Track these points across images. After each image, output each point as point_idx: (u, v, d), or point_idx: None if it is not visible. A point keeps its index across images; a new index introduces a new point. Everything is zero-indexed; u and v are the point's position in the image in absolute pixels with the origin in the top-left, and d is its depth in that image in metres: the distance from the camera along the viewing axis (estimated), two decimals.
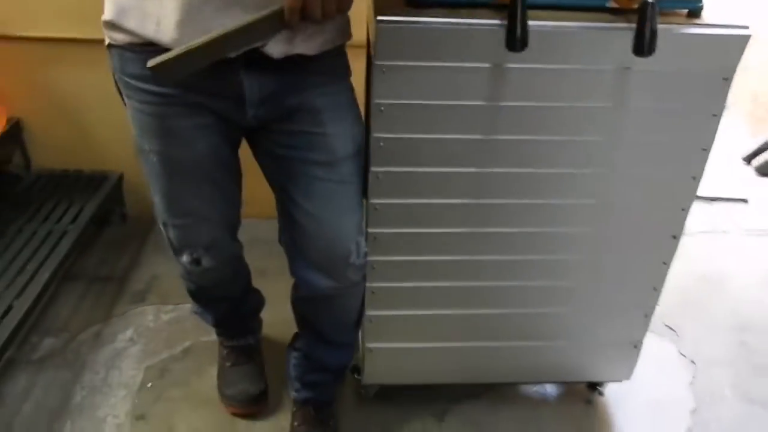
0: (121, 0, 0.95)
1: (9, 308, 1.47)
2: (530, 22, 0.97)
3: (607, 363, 1.46)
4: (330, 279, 1.17)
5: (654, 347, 1.66)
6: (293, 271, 1.21)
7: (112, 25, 0.99)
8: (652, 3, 0.96)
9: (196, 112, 1.03)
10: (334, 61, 1.06)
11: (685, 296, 1.91)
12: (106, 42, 1.03)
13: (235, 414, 1.47)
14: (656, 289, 1.33)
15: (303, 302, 1.31)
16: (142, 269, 1.89)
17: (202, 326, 1.56)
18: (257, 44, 0.93)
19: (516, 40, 0.96)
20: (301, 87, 1.03)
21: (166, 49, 0.88)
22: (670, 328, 1.80)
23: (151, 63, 0.85)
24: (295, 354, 1.42)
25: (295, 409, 1.42)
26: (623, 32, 1.02)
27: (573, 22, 1.03)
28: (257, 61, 0.96)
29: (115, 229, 2.04)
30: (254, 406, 1.47)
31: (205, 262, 1.21)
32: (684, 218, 1.24)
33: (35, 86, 1.87)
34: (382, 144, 1.12)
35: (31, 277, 1.57)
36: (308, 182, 1.09)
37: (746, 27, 1.07)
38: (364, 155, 1.14)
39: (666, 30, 1.04)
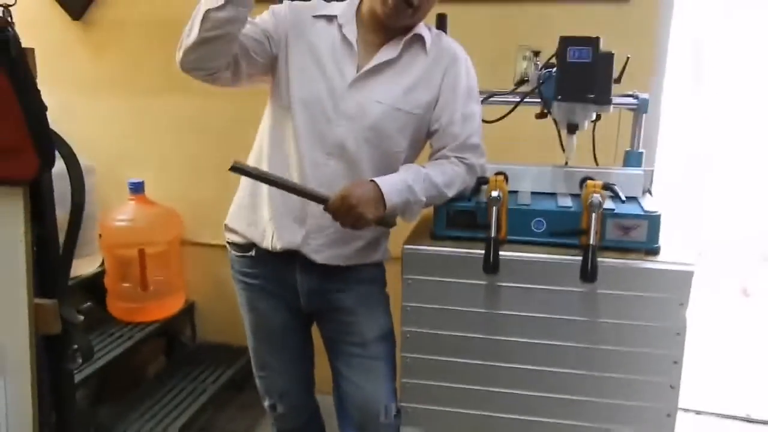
0: (233, 209, 1.54)
1: None
2: (503, 253, 1.37)
3: None
4: None
5: None
6: (340, 428, 1.59)
7: (226, 227, 1.55)
8: (593, 245, 1.32)
9: (271, 297, 1.54)
10: (369, 271, 1.52)
11: None
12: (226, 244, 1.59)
13: None
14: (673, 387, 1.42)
15: None
16: (261, 428, 2.34)
17: None
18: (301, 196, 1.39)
19: (489, 266, 1.35)
20: (339, 288, 1.50)
21: (262, 251, 1.45)
22: None
23: (235, 164, 1.33)
24: None
25: None
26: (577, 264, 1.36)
27: (542, 255, 1.40)
28: (307, 264, 1.45)
29: (248, 394, 2.55)
30: None
31: (279, 408, 1.63)
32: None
33: (210, 278, 2.55)
34: (408, 336, 1.51)
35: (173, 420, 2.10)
36: (347, 358, 1.52)
37: (692, 264, 1.36)
38: (392, 339, 1.54)
39: (624, 264, 1.37)
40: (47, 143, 1.36)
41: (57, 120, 2.50)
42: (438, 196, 1.44)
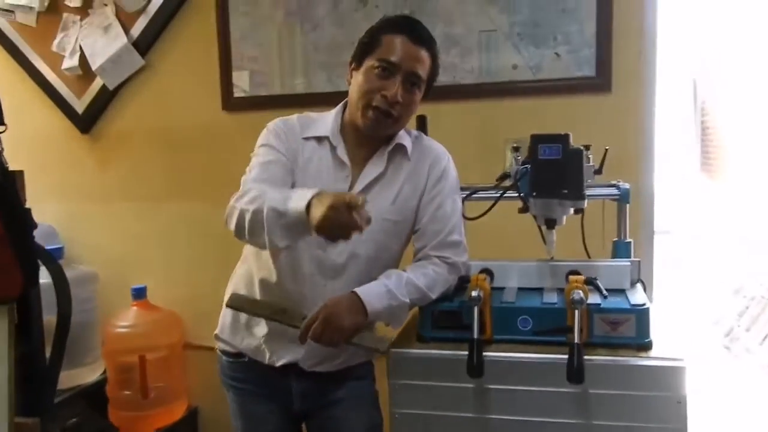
0: (226, 323, 1.56)
1: None
2: (489, 354, 1.34)
3: None
4: None
5: None
6: None
7: (217, 337, 1.57)
8: (577, 344, 1.27)
9: (264, 401, 1.53)
10: (359, 371, 1.52)
11: None
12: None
13: None
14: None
15: None
16: None
17: None
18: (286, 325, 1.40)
19: (473, 369, 1.31)
20: (330, 389, 1.49)
21: (250, 359, 1.49)
22: None
23: (230, 302, 1.44)
24: None
25: None
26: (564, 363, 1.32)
27: (528, 354, 1.36)
28: (299, 370, 1.46)
29: None
30: None
31: None
32: None
33: (213, 382, 2.50)
34: None
35: None
36: None
37: (682, 359, 1.30)
38: None
39: (613, 361, 1.32)
40: (32, 262, 1.39)
41: (63, 229, 2.60)
42: (421, 299, 1.43)
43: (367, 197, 1.42)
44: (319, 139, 1.47)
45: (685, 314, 5.20)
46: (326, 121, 1.49)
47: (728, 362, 4.18)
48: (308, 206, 1.20)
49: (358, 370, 1.55)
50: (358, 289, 1.37)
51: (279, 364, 1.48)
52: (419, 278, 1.42)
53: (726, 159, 6.59)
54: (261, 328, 1.49)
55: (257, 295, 1.50)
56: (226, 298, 1.58)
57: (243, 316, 1.53)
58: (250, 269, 1.53)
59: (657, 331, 1.42)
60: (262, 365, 1.50)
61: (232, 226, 1.34)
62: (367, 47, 1.43)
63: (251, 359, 1.52)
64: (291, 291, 1.45)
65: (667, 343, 1.39)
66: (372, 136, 1.46)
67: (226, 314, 1.58)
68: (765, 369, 3.91)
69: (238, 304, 1.49)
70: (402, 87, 1.39)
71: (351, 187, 1.45)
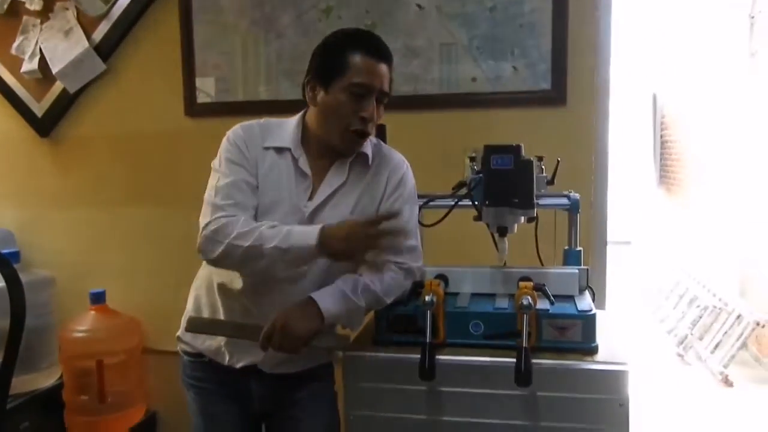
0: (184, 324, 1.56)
1: None
2: (441, 357, 1.37)
3: None
4: None
5: None
6: None
7: (179, 339, 1.58)
8: (525, 348, 1.32)
9: (224, 401, 1.55)
10: (319, 372, 1.56)
11: None
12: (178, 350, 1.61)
13: None
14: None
15: None
16: None
17: None
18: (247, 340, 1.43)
19: (425, 372, 1.34)
20: (289, 390, 1.52)
21: (211, 360, 1.52)
22: None
23: (189, 326, 1.49)
24: None
25: None
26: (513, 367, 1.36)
27: (478, 357, 1.40)
28: (259, 372, 1.49)
29: None
30: None
31: None
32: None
33: (172, 386, 2.48)
34: None
35: None
36: None
37: (625, 363, 1.36)
38: None
39: (560, 365, 1.37)
40: None
41: (21, 234, 2.57)
42: (376, 303, 1.46)
43: (326, 207, 1.47)
44: (280, 150, 1.49)
45: (640, 322, 5.34)
46: (287, 130, 1.50)
47: (681, 369, 4.30)
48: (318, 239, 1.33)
49: (318, 371, 1.57)
50: (313, 294, 1.39)
51: (239, 365, 1.50)
52: (375, 283, 1.44)
53: (685, 172, 6.78)
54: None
55: (217, 299, 1.52)
56: (189, 301, 1.60)
57: (206, 316, 1.54)
58: (209, 274, 1.54)
59: (606, 337, 1.48)
60: (222, 366, 1.52)
61: (212, 256, 1.39)
62: (334, 69, 1.42)
63: (212, 360, 1.54)
64: (250, 295, 1.47)
65: (613, 348, 1.44)
66: (344, 154, 1.50)
67: (187, 316, 1.59)
68: (715, 377, 4.03)
69: (196, 327, 1.53)
70: (376, 106, 1.44)
71: (311, 197, 1.47)
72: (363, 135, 1.45)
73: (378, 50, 1.44)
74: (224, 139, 1.50)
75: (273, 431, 1.61)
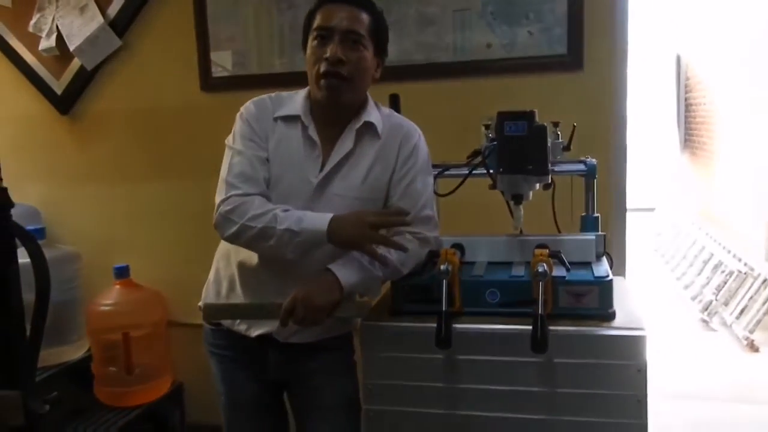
0: (206, 295, 1.61)
1: None
2: (457, 326, 1.38)
3: None
4: None
5: None
6: None
7: (199, 308, 1.59)
8: (541, 315, 1.32)
9: (243, 368, 1.59)
10: (335, 342, 1.56)
11: None
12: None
13: None
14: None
15: None
16: None
17: None
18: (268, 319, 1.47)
19: (441, 341, 1.35)
20: (305, 360, 1.54)
21: (229, 330, 1.53)
22: None
23: (206, 315, 1.52)
24: None
25: None
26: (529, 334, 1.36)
27: (494, 326, 1.40)
28: (275, 341, 1.51)
29: None
30: None
31: None
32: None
33: (197, 358, 2.54)
34: (371, 414, 1.50)
35: None
36: (309, 424, 1.57)
37: (642, 329, 1.35)
38: (357, 407, 1.54)
39: (576, 331, 1.37)
40: (8, 240, 1.41)
41: (46, 210, 2.62)
42: (393, 273, 1.47)
43: (335, 177, 1.47)
44: (290, 119, 1.49)
45: (664, 289, 5.29)
46: (296, 100, 1.51)
47: (706, 335, 4.27)
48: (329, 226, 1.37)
49: (335, 341, 1.58)
50: (331, 266, 1.40)
51: (255, 335, 1.52)
52: (391, 253, 1.45)
53: (710, 135, 6.64)
54: (241, 302, 1.53)
55: (235, 272, 1.54)
56: (211, 272, 1.63)
57: (223, 291, 1.57)
58: (228, 248, 1.56)
59: (624, 304, 1.47)
60: (240, 335, 1.55)
61: (227, 234, 1.43)
62: (306, 27, 1.47)
63: (229, 328, 1.57)
64: (267, 269, 1.49)
65: (631, 314, 1.44)
66: (335, 108, 1.48)
67: (208, 287, 1.62)
68: (741, 342, 4.00)
69: (214, 314, 1.57)
70: (342, 46, 1.42)
71: (322, 167, 1.48)
72: (336, 76, 1.42)
73: None
74: (237, 116, 1.52)
75: (292, 400, 1.64)
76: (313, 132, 1.48)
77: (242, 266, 1.52)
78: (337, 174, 1.48)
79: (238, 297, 1.54)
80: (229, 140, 1.51)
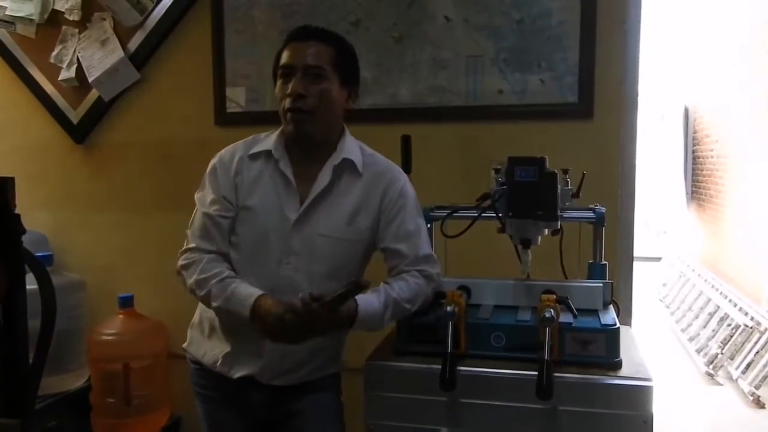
0: (193, 336, 1.61)
1: None
2: (462, 368, 1.37)
3: None
4: None
5: None
6: None
7: (184, 349, 1.61)
8: (547, 360, 1.31)
9: (228, 408, 1.56)
10: (321, 383, 1.54)
11: None
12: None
13: None
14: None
15: None
16: None
17: None
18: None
19: (446, 383, 1.34)
20: (290, 400, 1.52)
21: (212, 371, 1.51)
22: None
23: None
24: None
25: None
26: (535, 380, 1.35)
27: (500, 370, 1.39)
28: (257, 383, 1.50)
29: None
30: None
31: None
32: None
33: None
34: None
35: None
36: None
37: (650, 379, 1.34)
38: None
39: (582, 379, 1.36)
40: (18, 265, 1.42)
41: (55, 238, 2.63)
42: (402, 312, 1.48)
43: (314, 213, 1.48)
44: (263, 155, 1.52)
45: (669, 340, 5.23)
46: (271, 138, 1.55)
47: (711, 389, 4.21)
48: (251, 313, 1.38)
49: (321, 382, 1.56)
50: (360, 309, 1.38)
51: (236, 376, 1.51)
52: (405, 293, 1.46)
53: (716, 188, 6.66)
54: (222, 345, 1.53)
55: (214, 316, 1.54)
56: (195, 316, 1.64)
57: (206, 330, 1.57)
58: None
59: (631, 353, 1.46)
60: (223, 376, 1.53)
61: (185, 288, 1.51)
62: (274, 69, 1.52)
63: (212, 369, 1.55)
64: None
65: (638, 363, 1.42)
66: (305, 142, 1.50)
67: (193, 329, 1.63)
68: (746, 397, 3.94)
69: None
70: (301, 81, 1.45)
71: (301, 203, 1.49)
72: (299, 111, 1.45)
73: (299, 33, 1.50)
74: (209, 165, 1.57)
75: None
76: (284, 166, 1.50)
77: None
78: (317, 211, 1.49)
79: (220, 338, 1.54)
80: (198, 192, 1.57)
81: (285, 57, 1.48)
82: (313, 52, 1.46)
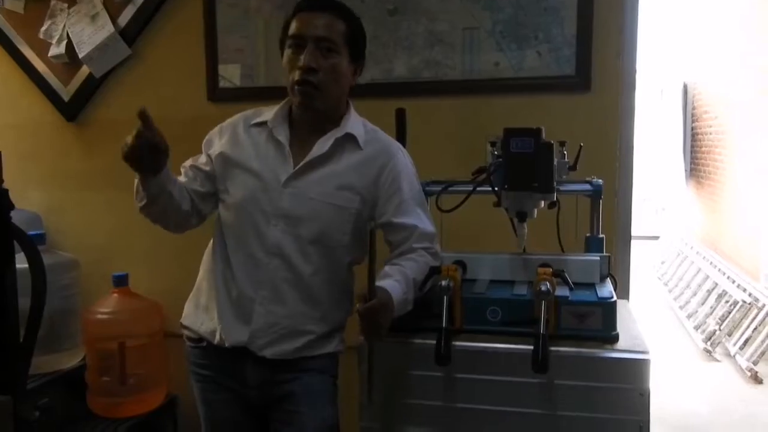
0: (188, 308, 1.60)
1: None
2: (457, 343, 1.36)
3: None
4: None
5: None
6: None
7: (181, 324, 1.59)
8: (543, 334, 1.30)
9: (223, 390, 1.54)
10: (318, 362, 1.52)
11: None
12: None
13: None
14: None
15: None
16: None
17: None
18: None
19: (440, 357, 1.33)
20: (285, 379, 1.50)
21: (209, 344, 1.50)
22: None
23: None
24: None
25: None
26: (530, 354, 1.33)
27: (495, 344, 1.38)
28: (257, 358, 1.47)
29: None
30: None
31: None
32: None
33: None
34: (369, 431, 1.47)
35: None
36: None
37: (646, 353, 1.33)
38: None
39: (578, 353, 1.35)
40: (7, 242, 1.40)
41: (48, 216, 2.60)
42: (415, 293, 1.46)
43: (305, 177, 1.49)
44: (262, 125, 1.54)
45: (667, 317, 5.24)
46: (273, 109, 1.55)
47: (709, 365, 4.22)
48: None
49: (317, 362, 1.53)
50: (386, 286, 1.36)
51: (228, 344, 1.48)
52: (418, 274, 1.45)
53: (716, 165, 6.63)
54: (214, 309, 1.52)
55: (213, 285, 1.55)
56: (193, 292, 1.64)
57: (203, 300, 1.56)
58: (209, 259, 1.61)
59: (628, 327, 1.45)
60: (219, 349, 1.51)
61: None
62: (283, 35, 1.50)
63: (209, 344, 1.53)
64: (239, 270, 1.51)
65: (635, 337, 1.41)
66: (312, 113, 1.49)
67: (189, 300, 1.62)
68: (744, 373, 3.95)
69: None
70: (313, 54, 1.43)
71: (295, 166, 1.49)
72: (308, 84, 1.44)
73: (310, 3, 1.47)
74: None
75: (272, 424, 1.57)
76: (279, 132, 1.51)
77: (222, 278, 1.54)
78: (310, 176, 1.49)
79: (213, 307, 1.53)
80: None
81: (294, 27, 1.46)
82: (324, 23, 1.44)
